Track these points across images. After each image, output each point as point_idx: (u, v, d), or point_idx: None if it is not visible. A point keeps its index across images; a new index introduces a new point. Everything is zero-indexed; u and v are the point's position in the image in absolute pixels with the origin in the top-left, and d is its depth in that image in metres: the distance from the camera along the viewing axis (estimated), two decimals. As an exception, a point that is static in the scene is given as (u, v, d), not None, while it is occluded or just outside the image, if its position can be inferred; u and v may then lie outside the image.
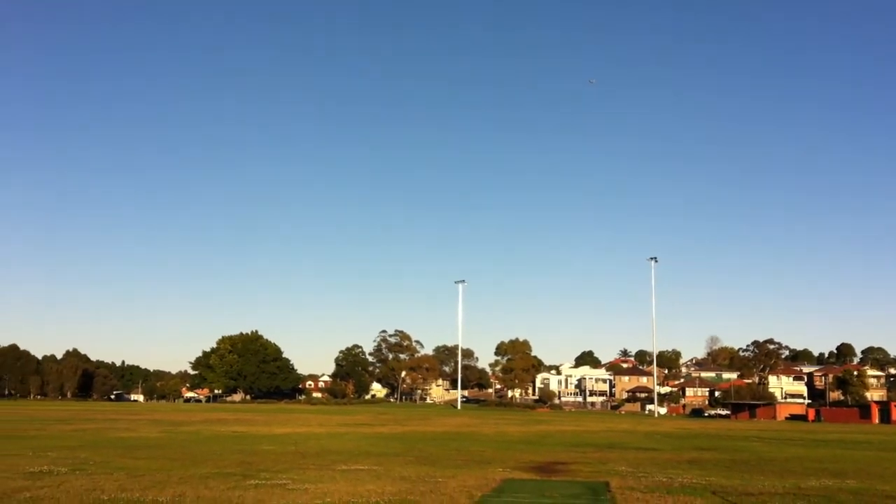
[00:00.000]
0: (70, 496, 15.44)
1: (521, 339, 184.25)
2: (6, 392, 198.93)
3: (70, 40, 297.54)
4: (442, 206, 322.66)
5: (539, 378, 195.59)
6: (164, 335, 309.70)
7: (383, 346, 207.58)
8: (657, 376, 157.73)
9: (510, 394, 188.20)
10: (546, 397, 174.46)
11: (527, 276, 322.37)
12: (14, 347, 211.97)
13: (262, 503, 14.91)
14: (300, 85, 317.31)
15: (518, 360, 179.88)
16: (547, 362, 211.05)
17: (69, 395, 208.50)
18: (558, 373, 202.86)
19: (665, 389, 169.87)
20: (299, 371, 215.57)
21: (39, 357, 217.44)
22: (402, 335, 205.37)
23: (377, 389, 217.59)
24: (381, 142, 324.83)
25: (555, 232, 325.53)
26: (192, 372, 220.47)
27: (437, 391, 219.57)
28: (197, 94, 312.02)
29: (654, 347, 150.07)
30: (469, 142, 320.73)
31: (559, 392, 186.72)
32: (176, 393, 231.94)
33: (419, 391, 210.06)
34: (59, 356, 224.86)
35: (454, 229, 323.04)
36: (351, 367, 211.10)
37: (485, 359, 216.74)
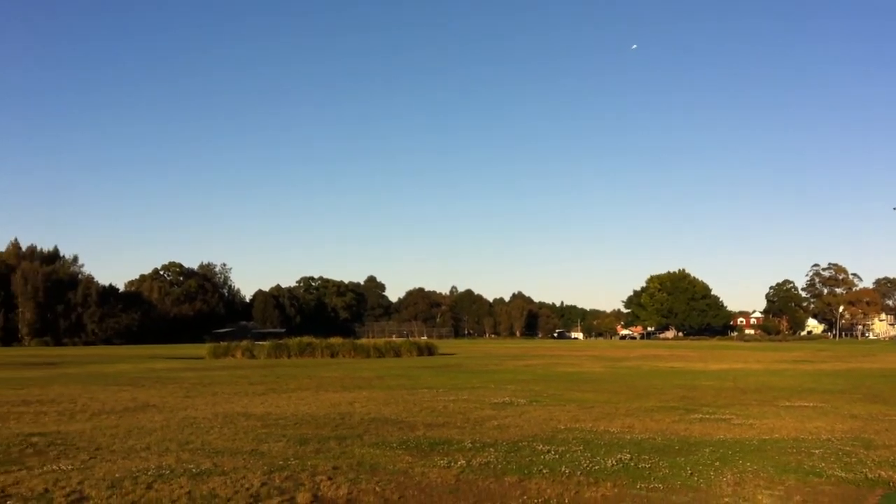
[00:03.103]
0: (531, 424, 16.75)
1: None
2: (466, 332, 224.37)
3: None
4: (870, 128, 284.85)
5: None
6: (597, 276, 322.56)
7: (816, 280, 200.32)
8: None
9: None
10: None
11: None
12: (469, 292, 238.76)
13: (709, 436, 15.06)
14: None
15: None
16: None
17: (517, 333, 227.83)
18: None
19: None
20: (728, 308, 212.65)
21: (491, 300, 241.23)
22: (837, 268, 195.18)
23: (813, 325, 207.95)
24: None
25: None
26: (624, 310, 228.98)
27: (881, 326, 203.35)
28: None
29: None
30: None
31: None
32: (611, 330, 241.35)
33: (860, 326, 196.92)
34: (506, 299, 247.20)
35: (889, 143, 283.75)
36: (783, 303, 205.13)
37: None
